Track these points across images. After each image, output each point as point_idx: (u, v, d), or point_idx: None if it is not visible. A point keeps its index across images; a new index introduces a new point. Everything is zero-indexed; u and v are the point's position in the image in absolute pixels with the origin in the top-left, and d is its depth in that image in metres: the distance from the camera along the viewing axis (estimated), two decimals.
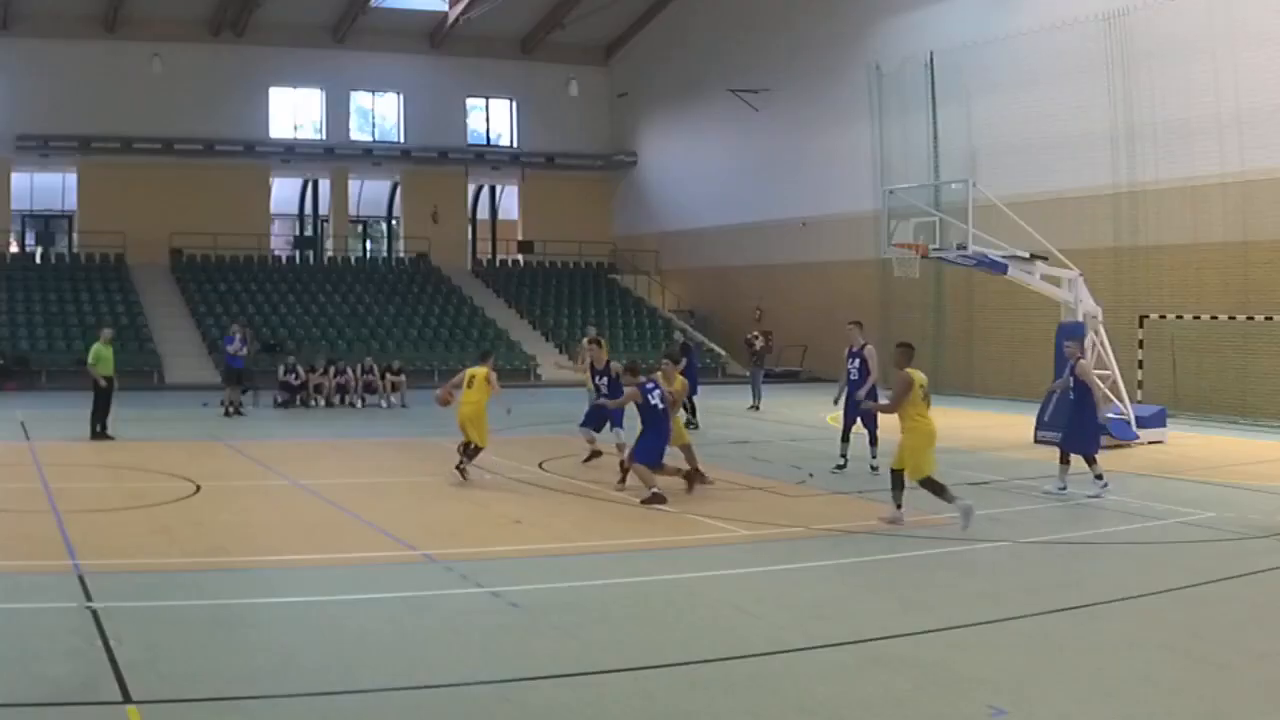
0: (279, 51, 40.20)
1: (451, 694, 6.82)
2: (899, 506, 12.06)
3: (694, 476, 14.26)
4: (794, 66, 35.90)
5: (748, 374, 28.31)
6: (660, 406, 13.78)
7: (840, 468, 15.87)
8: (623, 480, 14.31)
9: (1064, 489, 14.18)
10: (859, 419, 15.92)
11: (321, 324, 36.06)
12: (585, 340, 19.60)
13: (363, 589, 9.27)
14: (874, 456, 15.81)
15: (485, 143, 44.99)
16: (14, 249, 39.86)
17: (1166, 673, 7.32)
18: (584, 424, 16.43)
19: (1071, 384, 14.63)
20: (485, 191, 47.43)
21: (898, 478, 12.08)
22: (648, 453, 13.63)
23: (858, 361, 16.02)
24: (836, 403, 16.43)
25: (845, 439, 16.07)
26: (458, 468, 14.65)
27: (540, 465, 16.27)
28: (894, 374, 12.18)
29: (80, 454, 17.29)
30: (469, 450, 14.77)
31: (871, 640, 7.83)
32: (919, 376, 11.99)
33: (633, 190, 45.14)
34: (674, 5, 41.56)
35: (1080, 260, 20.83)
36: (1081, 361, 15.02)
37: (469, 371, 15.03)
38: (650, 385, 13.96)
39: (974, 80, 29.33)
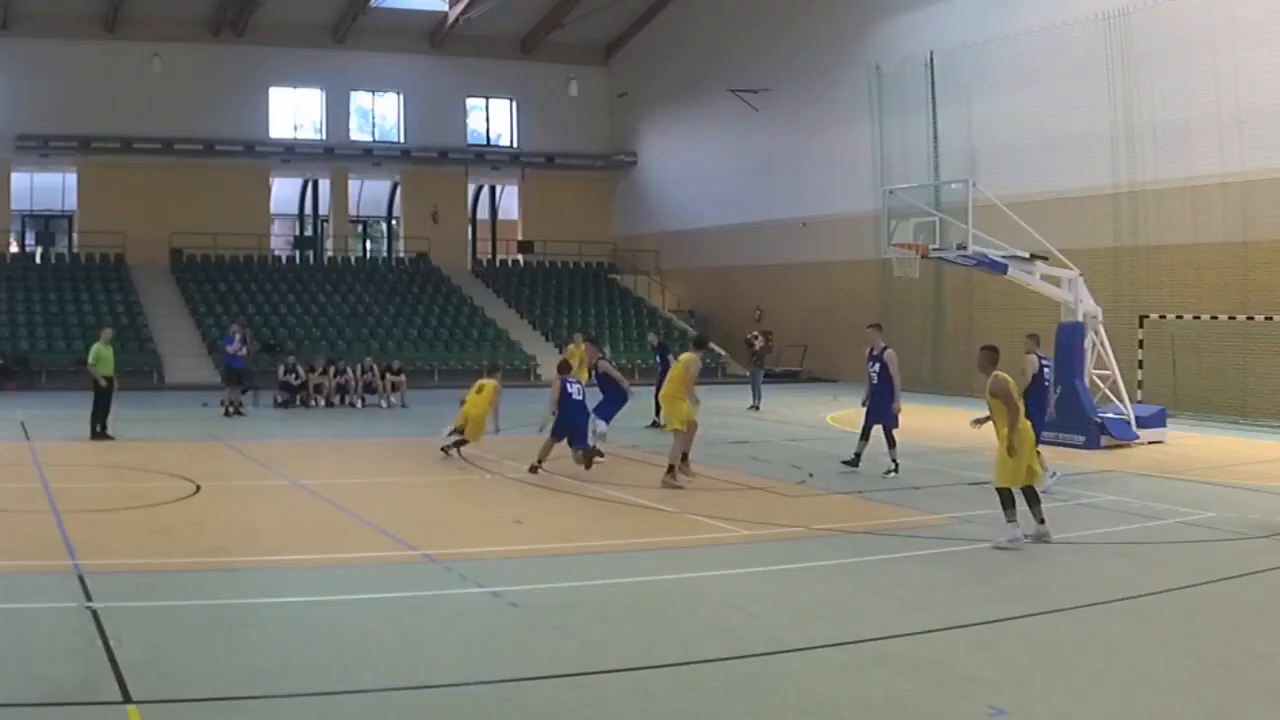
0: (279, 51, 40.20)
1: (451, 694, 6.82)
2: (1041, 521, 11.23)
3: (678, 468, 14.92)
4: (794, 66, 35.89)
5: (747, 374, 28.31)
6: (576, 397, 15.71)
7: (850, 463, 15.74)
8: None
9: (1054, 475, 14.15)
10: (879, 422, 15.91)
11: (321, 324, 36.05)
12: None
13: (363, 589, 9.27)
14: (893, 460, 15.65)
15: (485, 143, 44.99)
16: (14, 249, 39.86)
17: (1166, 673, 7.32)
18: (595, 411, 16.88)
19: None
20: (485, 191, 47.43)
21: (1029, 492, 11.29)
22: (554, 429, 15.52)
23: (878, 365, 15.97)
24: (864, 405, 16.36)
25: (864, 437, 15.97)
26: (444, 449, 16.68)
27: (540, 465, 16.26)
28: (981, 379, 11.48)
29: (80, 454, 17.29)
30: (458, 441, 16.77)
31: (871, 640, 7.83)
32: (1009, 377, 11.50)
33: (633, 190, 45.13)
34: (674, 5, 41.56)
35: (1080, 260, 20.83)
36: (1028, 356, 15.22)
37: (480, 381, 17.28)
38: (571, 380, 15.99)
39: (974, 80, 29.32)
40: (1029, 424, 11.45)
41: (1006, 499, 11.17)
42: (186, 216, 38.63)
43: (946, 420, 22.18)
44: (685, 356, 15.46)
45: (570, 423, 15.43)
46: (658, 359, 20.89)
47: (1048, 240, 20.21)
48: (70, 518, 11.72)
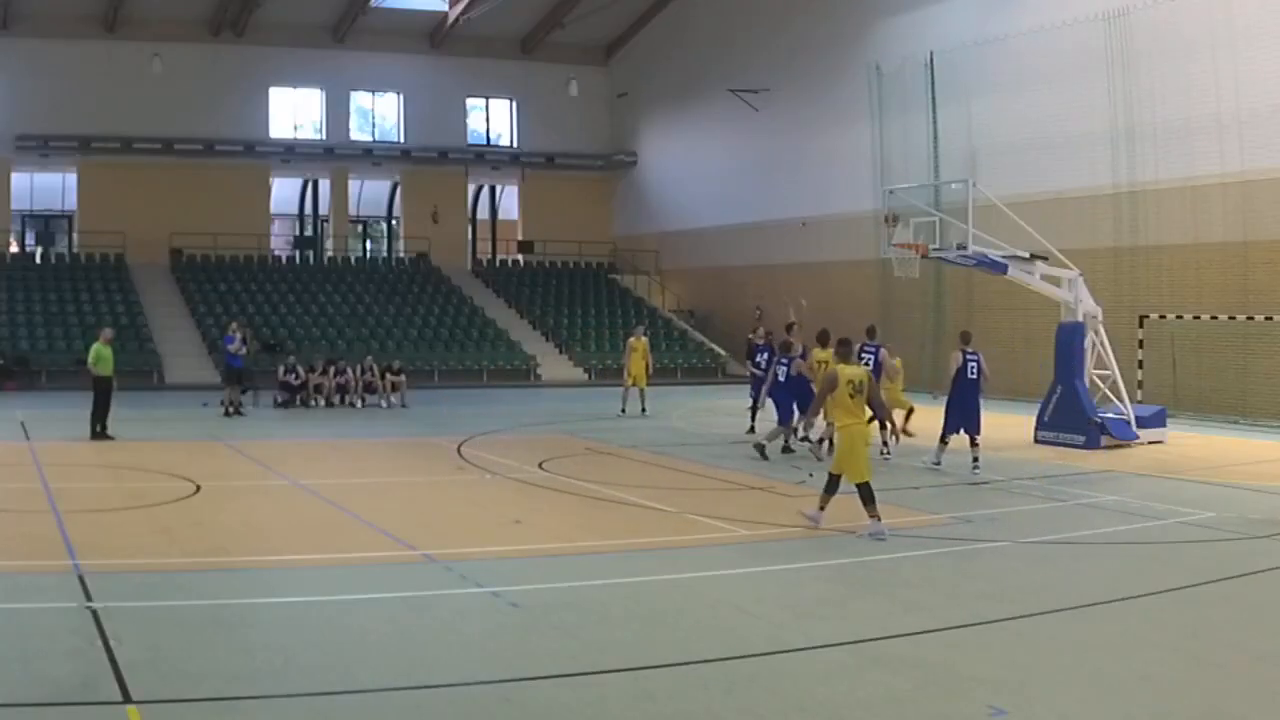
0: (279, 51, 40.19)
1: (451, 694, 6.82)
2: (821, 508, 11.57)
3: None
4: (794, 66, 35.88)
5: (747, 374, 28.27)
6: (780, 379, 17.65)
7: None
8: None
9: (938, 464, 16.24)
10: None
11: (321, 324, 36.06)
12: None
13: (363, 589, 9.27)
14: (885, 445, 16.82)
15: (485, 143, 44.98)
16: (14, 249, 39.85)
17: (1166, 672, 7.32)
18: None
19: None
20: (485, 191, 47.42)
21: (832, 483, 11.56)
22: (781, 414, 17.73)
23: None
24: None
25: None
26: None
27: (540, 465, 16.28)
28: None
29: (80, 454, 17.29)
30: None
31: (871, 640, 7.83)
32: (846, 373, 11.54)
33: (633, 190, 45.12)
34: (674, 5, 41.55)
35: (1080, 260, 20.82)
36: (953, 353, 16.95)
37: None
38: (783, 360, 17.82)
39: (974, 80, 29.32)
40: (861, 424, 11.64)
41: (867, 493, 11.34)
42: (186, 216, 38.62)
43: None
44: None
45: (782, 404, 17.56)
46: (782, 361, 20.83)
47: (1048, 240, 20.21)
48: (70, 518, 11.71)
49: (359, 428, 22.32)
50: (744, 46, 37.78)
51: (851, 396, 11.38)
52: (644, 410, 24.11)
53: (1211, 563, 10.62)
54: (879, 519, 11.22)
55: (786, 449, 17.87)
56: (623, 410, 24.07)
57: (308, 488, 14.37)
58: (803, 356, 18.03)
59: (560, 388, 33.53)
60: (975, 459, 16.21)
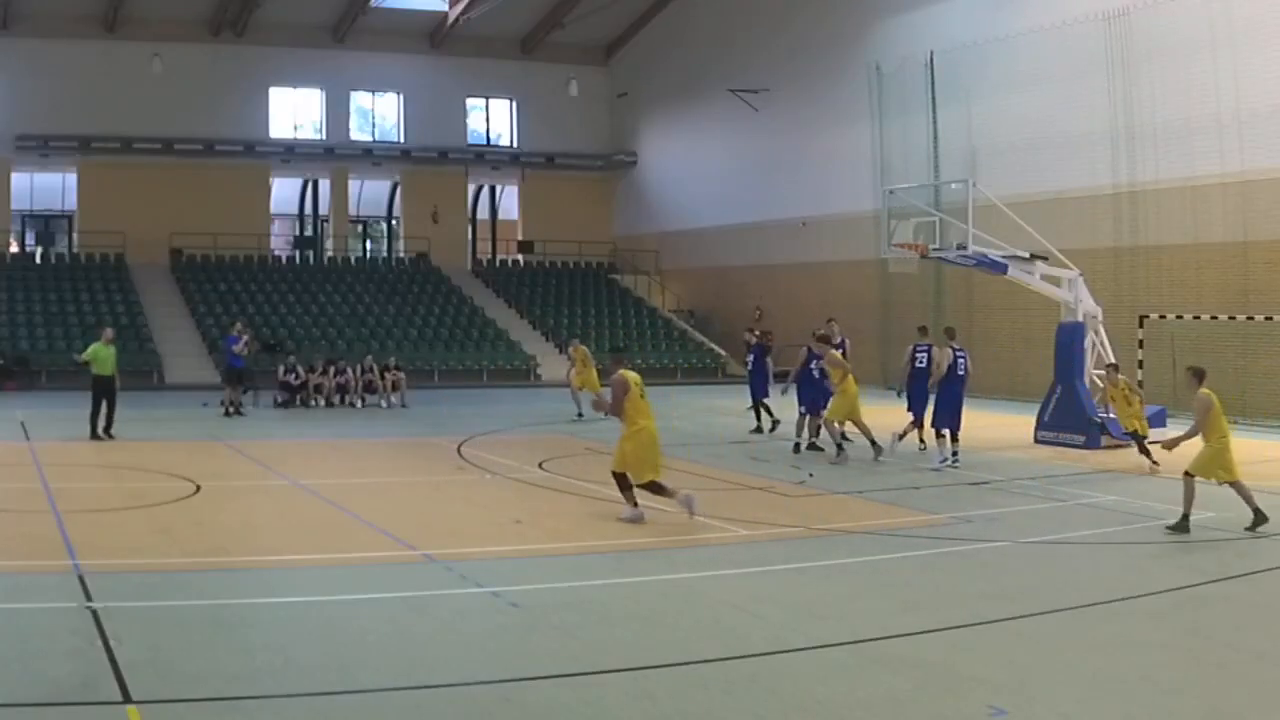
0: (279, 51, 40.19)
1: (451, 694, 6.82)
2: (635, 504, 12.10)
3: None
4: (794, 66, 35.87)
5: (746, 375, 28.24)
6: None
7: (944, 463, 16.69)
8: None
9: (945, 462, 16.42)
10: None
11: (321, 324, 36.06)
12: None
13: (363, 589, 9.27)
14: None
15: (485, 143, 44.97)
16: (14, 249, 39.85)
17: (1166, 673, 7.32)
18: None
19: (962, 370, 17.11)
20: (485, 191, 47.42)
21: (622, 480, 12.16)
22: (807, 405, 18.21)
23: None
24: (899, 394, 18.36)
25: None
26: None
27: (540, 465, 16.28)
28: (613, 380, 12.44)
29: (80, 454, 17.29)
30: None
31: (871, 640, 7.83)
32: (633, 377, 12.26)
33: (633, 190, 45.12)
34: (674, 5, 41.54)
35: (1080, 260, 20.82)
36: (943, 349, 17.29)
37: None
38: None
39: (974, 80, 29.31)
40: (648, 424, 12.15)
41: (656, 489, 12.01)
42: (186, 216, 38.62)
43: None
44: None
45: (813, 399, 17.96)
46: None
47: (1048, 240, 20.21)
48: (70, 518, 11.71)
49: (359, 428, 22.32)
50: (744, 46, 37.77)
51: (641, 397, 12.17)
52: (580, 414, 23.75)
53: (1211, 563, 10.62)
54: (636, 505, 12.02)
55: (813, 445, 17.99)
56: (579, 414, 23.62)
57: (308, 488, 14.37)
58: (840, 346, 18.44)
59: (560, 388, 33.39)
60: (954, 453, 16.64)
